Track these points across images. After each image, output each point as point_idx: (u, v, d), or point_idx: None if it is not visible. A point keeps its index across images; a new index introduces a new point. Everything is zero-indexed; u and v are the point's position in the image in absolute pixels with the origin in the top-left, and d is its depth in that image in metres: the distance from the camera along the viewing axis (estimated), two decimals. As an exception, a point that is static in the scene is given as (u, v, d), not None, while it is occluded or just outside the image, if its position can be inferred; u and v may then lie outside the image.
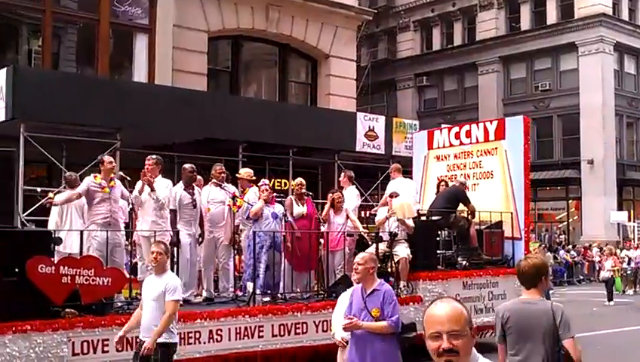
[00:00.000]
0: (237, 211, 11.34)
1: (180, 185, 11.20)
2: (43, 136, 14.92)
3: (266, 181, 11.88)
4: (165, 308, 7.24)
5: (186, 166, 11.50)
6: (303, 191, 12.04)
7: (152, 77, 20.03)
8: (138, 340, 7.50)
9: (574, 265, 31.01)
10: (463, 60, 38.46)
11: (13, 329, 7.96)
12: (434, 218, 12.94)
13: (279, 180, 20.67)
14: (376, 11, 31.40)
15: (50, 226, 11.18)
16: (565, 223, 37.06)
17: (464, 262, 13.04)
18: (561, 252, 31.10)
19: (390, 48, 41.14)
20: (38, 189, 13.98)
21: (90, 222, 10.11)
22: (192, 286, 11.10)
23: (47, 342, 8.17)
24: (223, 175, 11.63)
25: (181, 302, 7.77)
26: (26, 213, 14.53)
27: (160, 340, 7.16)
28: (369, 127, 20.11)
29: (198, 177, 11.88)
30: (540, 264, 5.74)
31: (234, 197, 11.19)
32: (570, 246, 32.62)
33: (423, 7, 40.15)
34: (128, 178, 10.58)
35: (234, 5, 22.26)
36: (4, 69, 15.21)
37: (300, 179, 12.30)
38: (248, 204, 11.41)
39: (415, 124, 21.74)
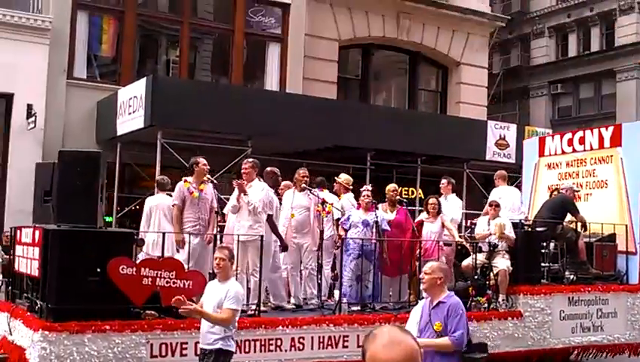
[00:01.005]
0: (326, 217, 11.05)
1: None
2: (178, 142, 15.49)
3: (369, 187, 11.41)
4: (222, 312, 7.04)
5: (269, 168, 11.19)
6: (397, 198, 11.64)
7: (283, 85, 20.42)
8: (199, 348, 7.39)
9: None
10: (600, 67, 37.01)
11: (93, 328, 7.97)
12: (538, 229, 12.23)
13: (406, 188, 20.59)
14: (509, 17, 30.78)
15: (141, 229, 11.26)
16: None
17: (572, 277, 12.25)
18: None
19: (523, 55, 40.17)
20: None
21: (180, 230, 9.94)
22: (281, 292, 10.92)
23: (126, 342, 8.16)
24: (306, 179, 11.22)
25: (238, 313, 7.37)
26: (119, 214, 15.02)
27: (218, 346, 7.05)
28: (500, 135, 19.73)
29: (285, 182, 11.60)
30: None
31: (323, 203, 10.93)
32: None
33: (558, 13, 38.97)
34: (215, 181, 10.34)
35: (365, 14, 22.37)
36: (144, 79, 15.90)
37: (393, 185, 11.86)
38: (340, 210, 11.20)
39: (548, 133, 21.14)
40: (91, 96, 18.02)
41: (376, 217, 10.83)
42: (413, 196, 20.00)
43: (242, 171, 10.37)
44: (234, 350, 7.35)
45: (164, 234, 9.49)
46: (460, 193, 17.70)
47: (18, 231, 9.51)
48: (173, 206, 10.07)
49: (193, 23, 19.80)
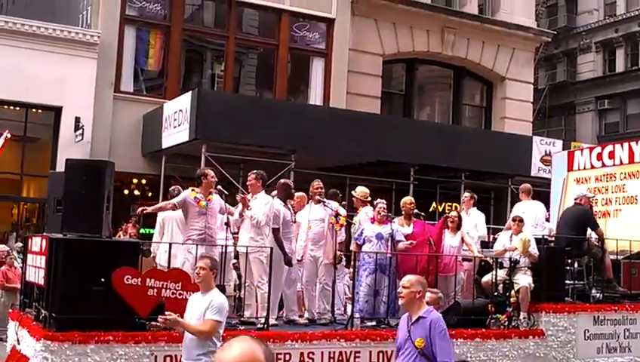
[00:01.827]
0: (339, 229, 10.85)
1: (279, 201, 10.52)
2: (222, 156, 15.59)
3: (384, 201, 11.12)
4: (203, 324, 6.69)
5: (282, 181, 11.08)
6: (414, 211, 11.39)
7: (327, 100, 20.46)
8: None
9: None
10: (648, 83, 36.50)
11: (96, 339, 7.85)
12: (562, 246, 11.84)
13: (449, 204, 20.45)
14: (555, 32, 30.48)
15: (154, 239, 11.14)
16: None
17: (598, 295, 11.90)
18: None
19: (570, 70, 39.73)
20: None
21: (186, 237, 9.81)
22: (293, 305, 10.74)
23: (129, 354, 8.02)
24: (320, 191, 11.04)
25: (222, 325, 6.96)
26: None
27: None
28: (545, 151, 19.50)
29: (299, 194, 11.43)
30: None
31: (337, 215, 10.74)
32: None
33: (605, 28, 38.49)
34: (226, 192, 10.16)
35: (409, 29, 22.32)
36: (189, 93, 16.06)
37: (409, 198, 11.63)
38: (354, 223, 11.01)
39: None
40: (137, 109, 18.27)
41: (392, 230, 10.64)
42: (456, 212, 19.86)
43: (247, 183, 10.36)
44: None
45: (170, 244, 9.43)
46: (504, 209, 17.55)
47: (29, 240, 9.47)
48: (171, 204, 9.91)
49: (238, 38, 19.96)
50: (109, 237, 8.73)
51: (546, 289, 11.24)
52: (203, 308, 6.72)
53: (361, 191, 11.99)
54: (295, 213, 10.99)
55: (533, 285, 10.99)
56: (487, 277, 11.28)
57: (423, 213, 11.73)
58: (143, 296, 7.96)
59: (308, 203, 11.17)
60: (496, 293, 11.08)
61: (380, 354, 9.53)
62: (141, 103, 18.43)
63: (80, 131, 17.17)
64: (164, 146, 16.91)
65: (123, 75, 18.66)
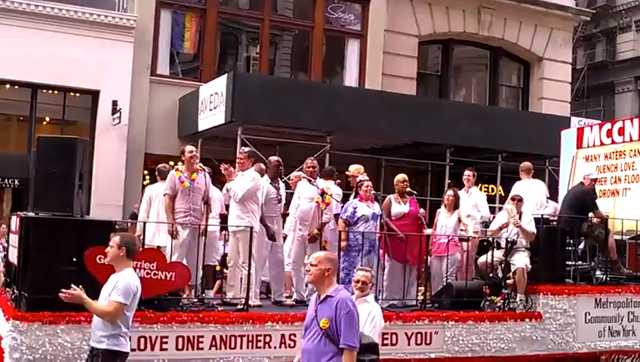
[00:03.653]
0: (325, 208, 10.39)
1: (266, 178, 10.41)
2: (258, 138, 15.64)
3: (368, 179, 10.79)
4: (107, 305, 6.40)
5: (272, 158, 10.80)
6: (407, 189, 10.98)
7: (362, 81, 20.39)
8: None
9: None
10: (690, 62, 35.84)
11: (67, 319, 7.71)
12: (562, 226, 11.46)
13: (486, 185, 20.31)
14: (594, 11, 30.00)
15: (139, 216, 10.90)
16: None
17: (603, 277, 11.55)
18: None
19: (609, 50, 39.11)
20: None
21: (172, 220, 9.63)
22: (280, 287, 10.53)
23: None
24: (311, 169, 10.77)
25: (126, 308, 6.56)
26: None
27: (106, 347, 6.38)
28: (584, 132, 19.25)
29: (296, 173, 11.24)
30: None
31: (322, 194, 10.33)
32: None
33: (646, 6, 37.87)
34: (205, 168, 9.90)
35: (445, 9, 22.12)
36: (225, 75, 16.12)
37: (403, 176, 11.09)
38: (339, 201, 10.71)
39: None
40: (174, 92, 18.37)
41: (381, 210, 10.47)
42: (493, 193, 19.70)
43: (237, 161, 10.22)
44: (127, 350, 6.61)
45: (144, 223, 9.32)
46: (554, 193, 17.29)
47: (13, 219, 9.30)
48: (164, 195, 9.71)
49: (273, 20, 19.94)
50: (82, 215, 8.49)
51: (544, 271, 10.94)
52: (110, 288, 6.49)
53: (355, 168, 11.61)
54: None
55: (530, 266, 10.67)
56: (482, 258, 11.00)
57: (415, 191, 11.30)
58: None
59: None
60: (491, 275, 10.83)
61: None
62: (177, 86, 18.52)
63: (117, 115, 17.34)
64: (200, 129, 16.99)
65: (159, 59, 18.76)
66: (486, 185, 20.25)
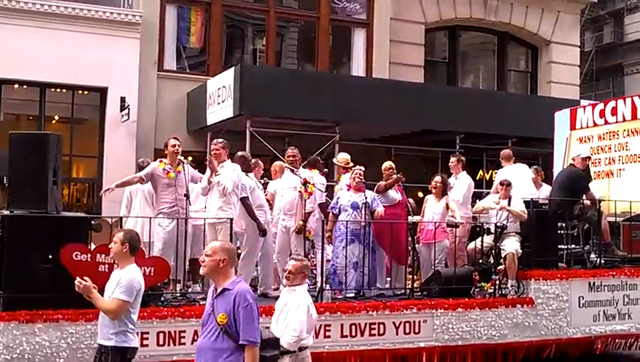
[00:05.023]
0: (308, 198, 10.27)
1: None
2: (267, 130, 15.63)
3: (362, 168, 10.65)
4: (110, 302, 6.32)
5: (242, 153, 10.70)
6: (393, 176, 10.85)
7: (369, 70, 20.33)
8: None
9: None
10: (700, 41, 35.60)
11: (44, 317, 7.61)
12: (553, 209, 11.28)
13: (497, 171, 20.23)
14: (601, -7, 29.81)
15: (121, 213, 10.77)
16: None
17: (597, 260, 11.30)
18: None
19: (617, 31, 38.89)
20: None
21: (157, 210, 9.66)
22: (267, 279, 10.43)
23: (80, 332, 7.76)
24: (291, 158, 10.68)
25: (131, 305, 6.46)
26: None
27: (114, 344, 6.32)
28: (594, 115, 19.15)
29: (278, 163, 11.21)
30: None
31: (305, 183, 10.21)
32: None
33: (653, -14, 37.63)
34: (185, 161, 9.91)
35: (451, -5, 22.07)
36: (232, 69, 16.09)
37: (389, 163, 11.05)
38: (322, 191, 10.61)
39: None
40: (181, 87, 18.37)
41: (366, 198, 10.29)
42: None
43: (212, 152, 10.07)
44: (136, 345, 6.56)
45: (120, 218, 9.32)
46: (552, 175, 17.28)
47: None
48: (138, 178, 9.77)
49: (279, 12, 19.91)
50: (58, 212, 8.35)
51: (535, 255, 10.75)
52: (114, 285, 6.42)
53: (342, 157, 11.53)
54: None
55: (520, 251, 10.54)
56: (472, 245, 10.88)
57: (402, 178, 11.09)
58: (93, 272, 7.40)
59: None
60: (480, 261, 10.71)
61: (353, 327, 9.28)
62: (184, 81, 18.52)
63: (126, 111, 17.35)
64: (208, 123, 16.99)
65: (166, 54, 18.76)
66: (496, 171, 20.17)
